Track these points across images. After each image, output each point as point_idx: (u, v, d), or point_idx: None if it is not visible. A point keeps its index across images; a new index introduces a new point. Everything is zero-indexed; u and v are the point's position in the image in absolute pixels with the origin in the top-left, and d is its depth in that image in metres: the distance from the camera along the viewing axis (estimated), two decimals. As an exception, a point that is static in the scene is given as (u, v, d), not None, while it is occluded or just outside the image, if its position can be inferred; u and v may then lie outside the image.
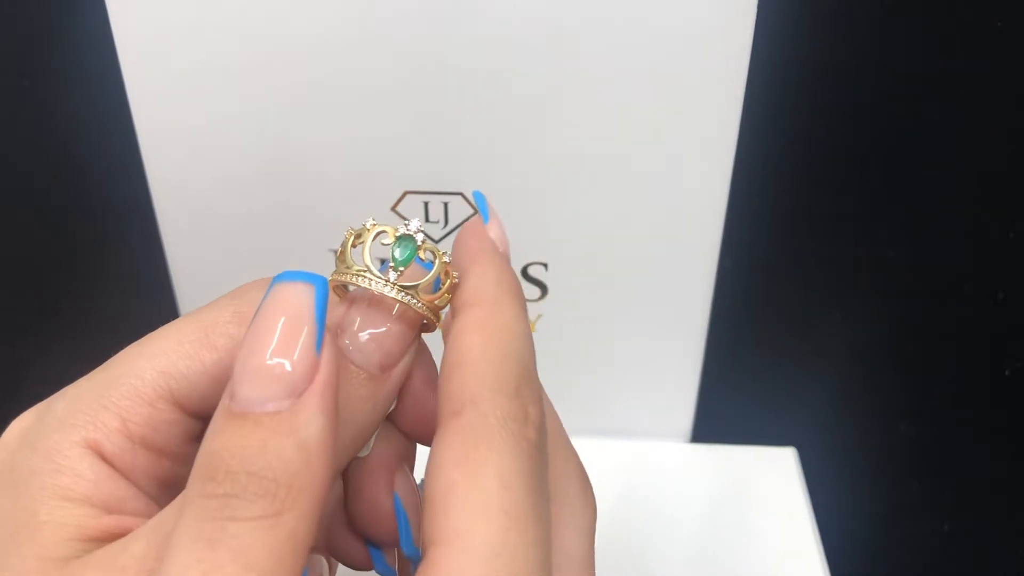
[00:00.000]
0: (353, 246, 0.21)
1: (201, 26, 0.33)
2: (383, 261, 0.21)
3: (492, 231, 0.23)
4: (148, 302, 0.43)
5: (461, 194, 0.36)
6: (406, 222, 0.21)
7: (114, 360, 0.22)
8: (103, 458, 0.20)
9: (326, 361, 0.18)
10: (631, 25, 0.32)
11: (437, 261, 0.21)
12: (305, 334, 0.18)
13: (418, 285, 0.21)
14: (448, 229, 0.37)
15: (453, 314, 0.21)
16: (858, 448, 0.46)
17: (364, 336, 0.21)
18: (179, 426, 0.21)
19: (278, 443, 0.17)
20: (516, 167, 0.36)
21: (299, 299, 0.18)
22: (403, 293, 0.21)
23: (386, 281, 0.21)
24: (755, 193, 0.40)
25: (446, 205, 0.37)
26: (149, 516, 0.19)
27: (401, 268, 0.21)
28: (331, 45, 0.33)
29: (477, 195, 0.24)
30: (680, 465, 0.43)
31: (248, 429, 0.17)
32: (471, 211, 0.37)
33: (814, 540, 0.39)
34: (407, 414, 0.23)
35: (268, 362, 0.18)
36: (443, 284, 0.21)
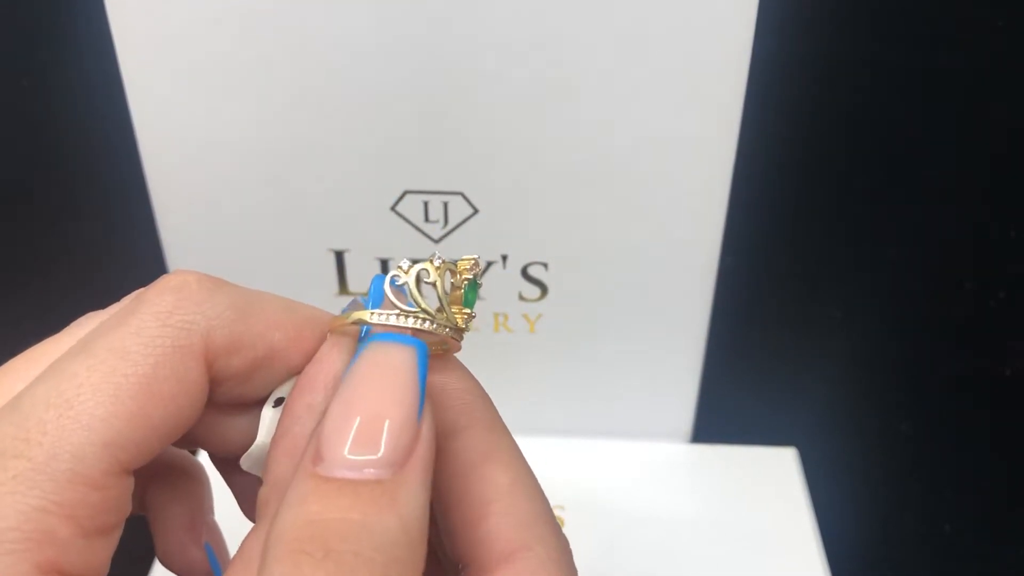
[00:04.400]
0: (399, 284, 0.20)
1: (200, 26, 0.33)
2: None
3: None
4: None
5: (461, 194, 0.36)
6: (473, 261, 0.20)
7: (24, 435, 0.16)
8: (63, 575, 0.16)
9: (427, 430, 0.17)
10: (631, 24, 0.32)
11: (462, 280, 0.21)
12: (408, 400, 0.16)
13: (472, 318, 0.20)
14: (448, 229, 0.37)
15: (444, 435, 0.19)
16: (858, 448, 0.46)
17: None
18: (128, 489, 0.17)
19: (381, 519, 0.15)
20: (516, 167, 0.36)
21: (402, 362, 0.17)
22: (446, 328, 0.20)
23: (454, 327, 0.20)
24: (755, 192, 0.40)
25: (446, 205, 0.37)
26: None
27: (469, 311, 0.20)
28: (331, 45, 0.33)
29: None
30: (680, 465, 0.43)
31: (346, 499, 0.15)
32: (471, 210, 0.37)
33: (814, 540, 0.39)
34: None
35: (367, 426, 0.16)
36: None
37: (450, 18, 0.32)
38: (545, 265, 0.38)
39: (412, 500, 0.16)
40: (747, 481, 0.42)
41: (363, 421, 0.16)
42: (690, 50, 0.32)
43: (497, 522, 0.18)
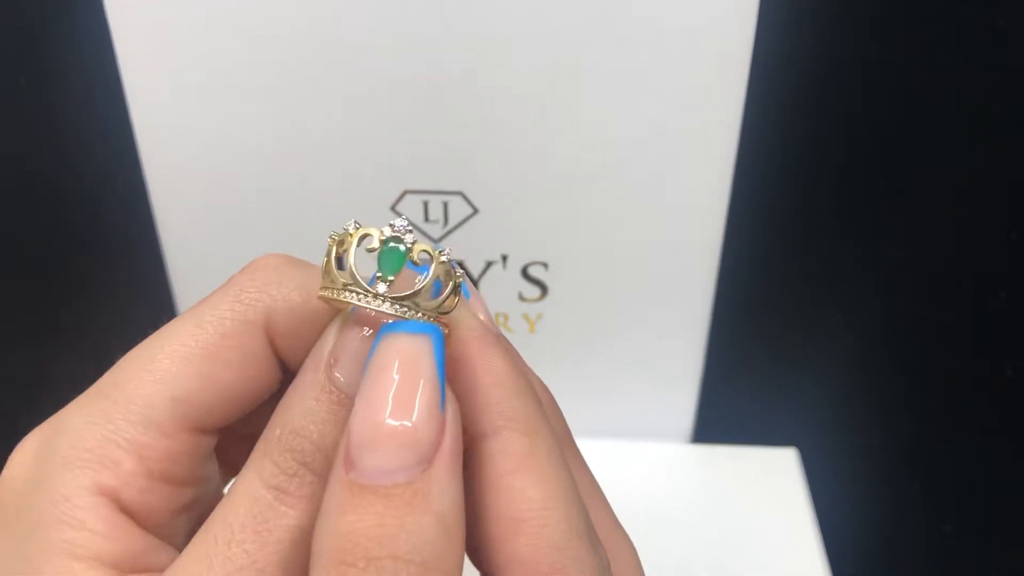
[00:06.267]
0: (338, 255, 0.19)
1: (200, 25, 0.33)
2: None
3: (481, 312, 0.20)
4: (147, 302, 0.43)
5: (461, 194, 0.36)
6: (392, 223, 0.19)
7: (115, 382, 0.19)
8: (119, 505, 0.18)
9: (451, 421, 0.17)
10: (631, 24, 0.32)
11: (434, 262, 0.18)
12: (427, 393, 0.16)
13: (417, 292, 0.18)
14: (448, 228, 0.37)
15: (476, 437, 0.18)
16: (859, 448, 0.46)
17: (355, 362, 0.18)
18: (199, 450, 0.19)
19: (417, 520, 0.16)
20: (516, 167, 0.35)
21: (415, 354, 0.17)
22: (399, 306, 0.18)
23: (375, 294, 0.18)
24: (756, 193, 0.40)
25: (446, 205, 0.37)
26: (161, 570, 0.18)
27: (391, 278, 0.18)
28: (331, 44, 0.33)
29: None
30: (680, 465, 0.43)
31: (380, 505, 0.16)
32: (471, 210, 0.37)
33: (815, 541, 0.39)
34: None
35: (390, 426, 0.16)
36: (445, 286, 0.19)
37: (450, 18, 0.32)
38: (545, 265, 0.38)
39: (444, 494, 0.16)
40: (747, 481, 0.42)
41: (383, 423, 0.16)
42: (690, 50, 0.32)
43: (528, 543, 0.17)
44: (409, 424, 0.16)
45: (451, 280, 0.19)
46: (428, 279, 0.18)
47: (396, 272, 0.18)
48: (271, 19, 0.32)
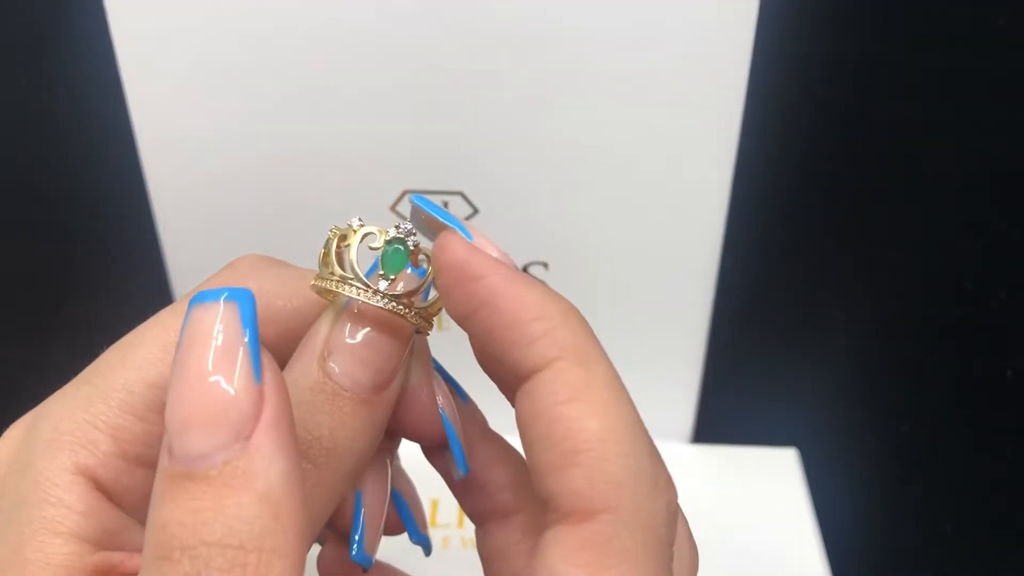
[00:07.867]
0: (338, 249, 0.19)
1: (200, 26, 0.33)
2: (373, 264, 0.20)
3: (493, 250, 0.19)
4: (146, 302, 0.42)
5: (461, 194, 0.36)
6: (397, 224, 0.19)
7: (96, 370, 0.20)
8: (97, 485, 0.19)
9: (271, 387, 0.15)
10: (631, 24, 0.32)
11: (431, 268, 0.19)
12: (240, 362, 0.15)
13: (415, 291, 0.19)
14: (448, 229, 0.37)
15: (527, 370, 0.17)
16: (860, 449, 0.46)
17: (350, 355, 0.18)
18: None
19: (236, 501, 0.14)
20: (516, 167, 0.35)
21: (218, 327, 0.16)
22: (392, 302, 0.18)
23: (375, 290, 0.18)
24: (756, 192, 0.40)
25: (446, 205, 0.37)
26: (140, 547, 0.18)
27: (392, 276, 0.19)
28: (330, 45, 0.33)
29: (434, 207, 0.19)
30: (680, 465, 0.43)
31: (198, 490, 0.15)
32: (471, 210, 0.37)
33: (815, 541, 0.39)
34: (403, 415, 0.21)
35: (201, 405, 0.15)
36: (434, 287, 0.19)
37: (450, 18, 0.32)
38: (545, 265, 0.38)
39: (269, 468, 0.15)
40: (747, 481, 0.42)
41: (195, 401, 0.15)
42: (690, 50, 0.32)
43: (583, 476, 0.16)
44: (218, 399, 0.15)
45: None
46: (424, 283, 0.19)
47: (397, 272, 0.19)
48: (271, 19, 0.32)
